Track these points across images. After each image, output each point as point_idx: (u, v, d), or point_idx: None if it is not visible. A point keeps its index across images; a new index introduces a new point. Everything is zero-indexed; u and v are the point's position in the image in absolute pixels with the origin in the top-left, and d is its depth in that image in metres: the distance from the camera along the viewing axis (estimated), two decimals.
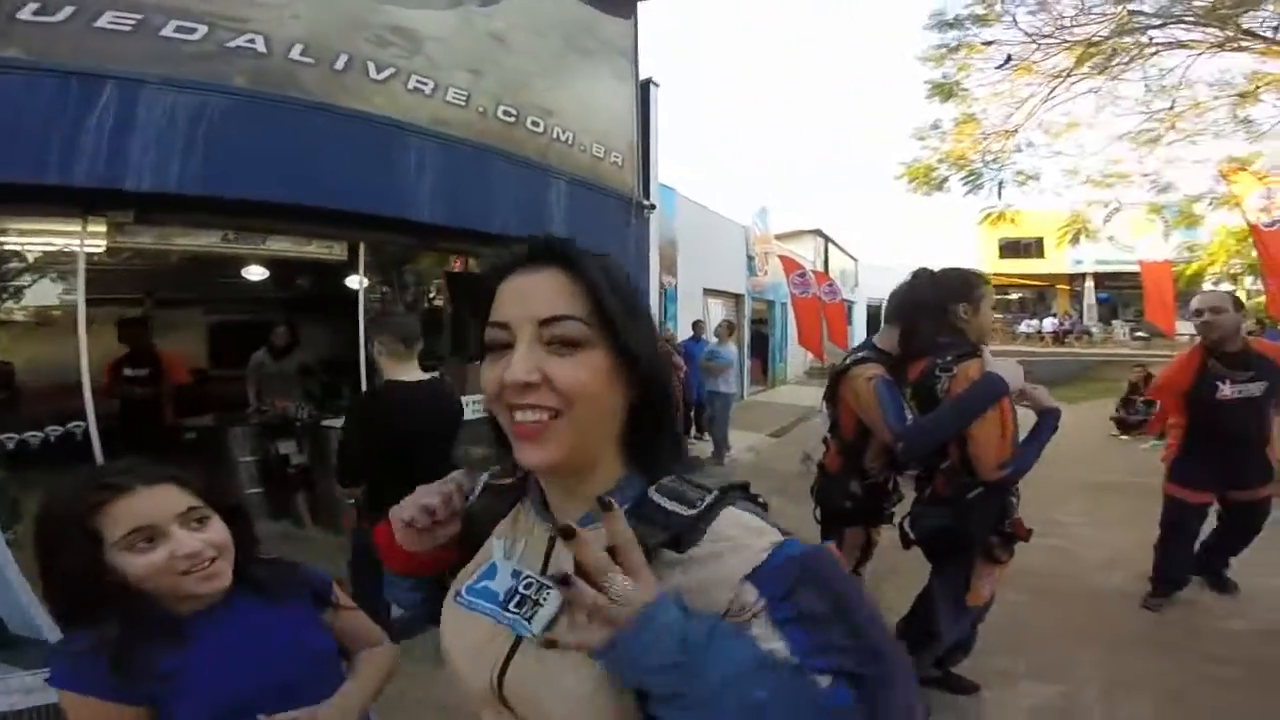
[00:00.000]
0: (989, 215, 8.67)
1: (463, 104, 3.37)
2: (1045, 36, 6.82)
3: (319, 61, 2.91)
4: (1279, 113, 7.15)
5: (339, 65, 2.98)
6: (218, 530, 0.94)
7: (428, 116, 3.25)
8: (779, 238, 13.30)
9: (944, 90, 7.51)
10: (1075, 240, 9.62)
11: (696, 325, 7.63)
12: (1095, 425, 9.20)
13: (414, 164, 3.20)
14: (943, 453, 1.99)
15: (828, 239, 16.64)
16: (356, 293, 3.64)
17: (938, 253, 26.20)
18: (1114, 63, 6.62)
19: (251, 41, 2.72)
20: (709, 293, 10.30)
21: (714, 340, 7.04)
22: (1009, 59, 6.95)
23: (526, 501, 0.71)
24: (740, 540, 0.56)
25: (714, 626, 0.49)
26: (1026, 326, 25.17)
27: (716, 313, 10.10)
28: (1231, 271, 9.97)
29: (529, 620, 0.60)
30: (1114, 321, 24.59)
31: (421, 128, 3.22)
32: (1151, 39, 6.38)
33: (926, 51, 7.67)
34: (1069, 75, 6.76)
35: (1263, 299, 7.83)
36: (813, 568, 0.55)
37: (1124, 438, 8.42)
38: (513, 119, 3.61)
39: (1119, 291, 25.13)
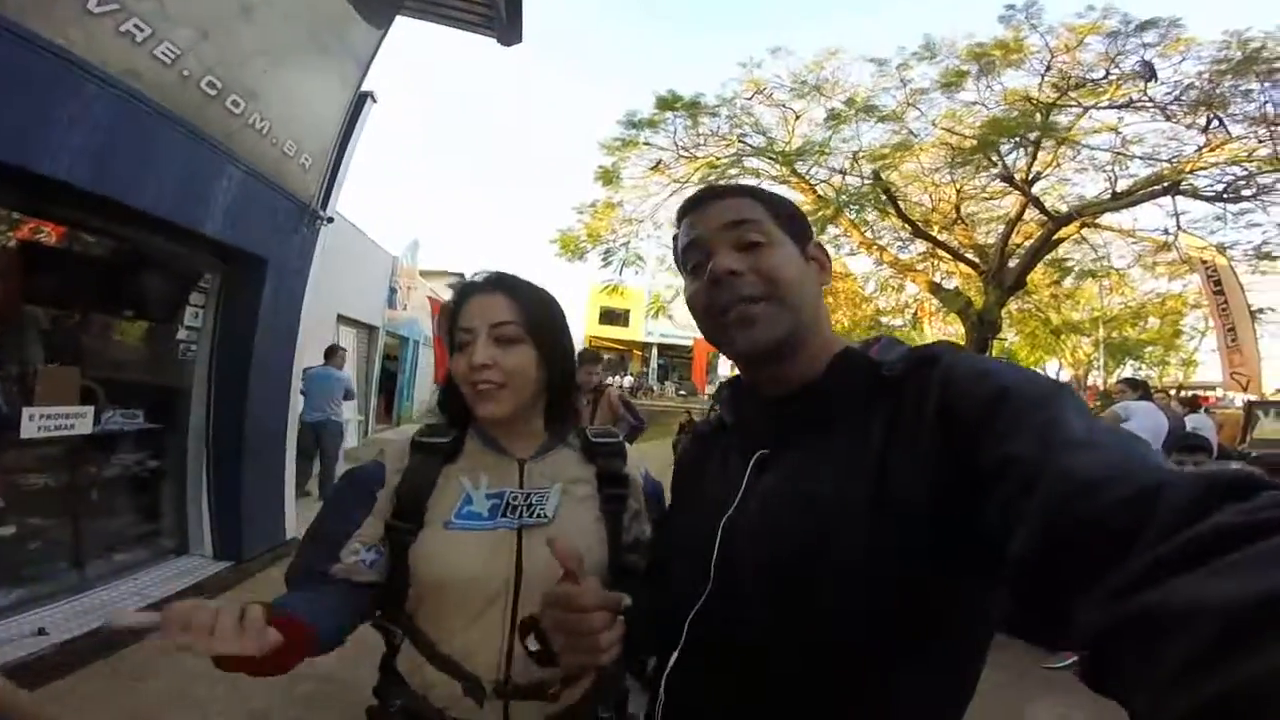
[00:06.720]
0: (608, 286, 10.81)
1: (168, 62, 2.77)
2: (685, 150, 9.25)
3: None
4: None
5: None
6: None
7: (122, 65, 2.57)
8: (421, 274, 13.28)
9: (607, 176, 9.24)
10: (656, 315, 12.61)
11: (334, 351, 6.65)
12: (662, 457, 12.14)
13: (71, 109, 2.47)
14: None
15: None
16: None
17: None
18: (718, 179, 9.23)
19: None
20: (343, 319, 9.35)
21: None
22: (659, 162, 9.09)
23: (467, 448, 0.93)
24: (632, 457, 1.00)
25: None
26: (611, 382, 30.80)
27: (347, 343, 9.04)
28: None
29: (537, 515, 0.87)
30: (666, 381, 32.51)
31: (105, 74, 2.53)
32: (743, 169, 9.30)
33: (607, 141, 9.28)
34: (686, 182, 9.24)
35: None
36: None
37: None
38: (214, 93, 3.12)
39: (670, 359, 33.59)
